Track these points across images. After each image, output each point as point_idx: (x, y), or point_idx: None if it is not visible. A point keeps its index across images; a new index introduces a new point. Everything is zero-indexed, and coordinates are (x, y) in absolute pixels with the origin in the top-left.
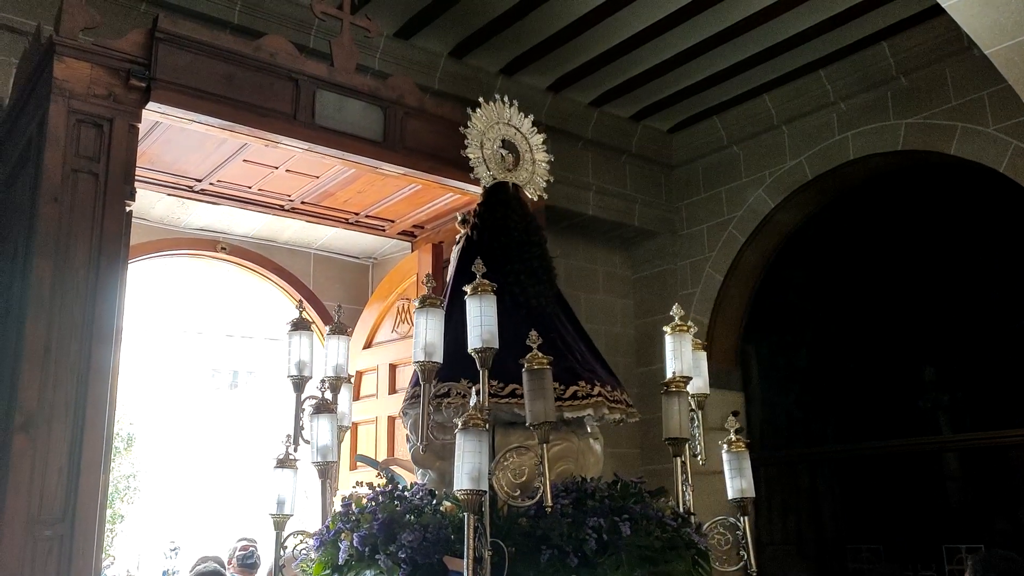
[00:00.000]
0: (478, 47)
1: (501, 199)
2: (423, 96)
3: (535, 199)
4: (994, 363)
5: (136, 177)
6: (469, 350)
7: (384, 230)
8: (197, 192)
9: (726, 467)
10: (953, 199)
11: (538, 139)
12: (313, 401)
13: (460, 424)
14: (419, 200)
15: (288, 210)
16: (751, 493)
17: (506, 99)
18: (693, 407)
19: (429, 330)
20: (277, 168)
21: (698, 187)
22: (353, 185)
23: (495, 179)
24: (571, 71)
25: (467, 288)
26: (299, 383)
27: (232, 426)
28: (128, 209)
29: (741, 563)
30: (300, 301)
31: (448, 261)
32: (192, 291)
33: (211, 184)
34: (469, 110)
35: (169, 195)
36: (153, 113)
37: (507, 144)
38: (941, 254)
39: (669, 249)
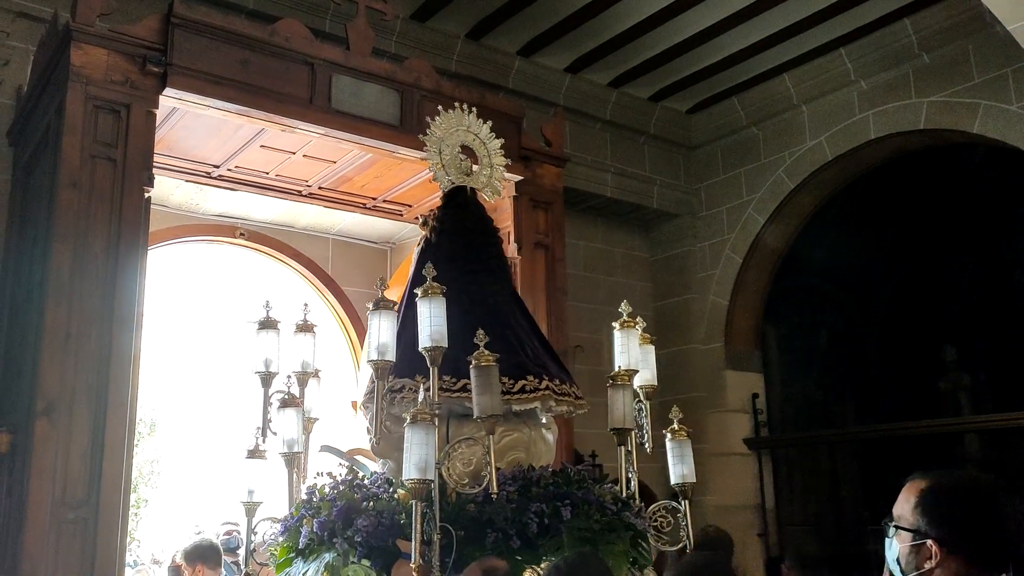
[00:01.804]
0: (495, 28)
1: (459, 202)
2: (440, 79)
3: (492, 201)
4: (1016, 344)
5: (154, 163)
6: (420, 349)
7: (401, 215)
8: (215, 178)
9: (669, 454)
10: (975, 178)
11: (496, 144)
12: (280, 395)
13: (409, 418)
14: (437, 184)
15: (306, 196)
16: (692, 479)
17: (464, 106)
18: (641, 398)
19: (382, 331)
20: (294, 153)
21: (717, 168)
22: (370, 170)
23: (453, 183)
24: (589, 51)
25: (418, 291)
26: (266, 378)
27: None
28: (146, 195)
29: (682, 543)
30: (267, 301)
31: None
32: (213, 278)
33: (229, 170)
34: (428, 118)
35: (187, 181)
36: (170, 99)
37: (466, 149)
38: (963, 234)
39: (688, 231)
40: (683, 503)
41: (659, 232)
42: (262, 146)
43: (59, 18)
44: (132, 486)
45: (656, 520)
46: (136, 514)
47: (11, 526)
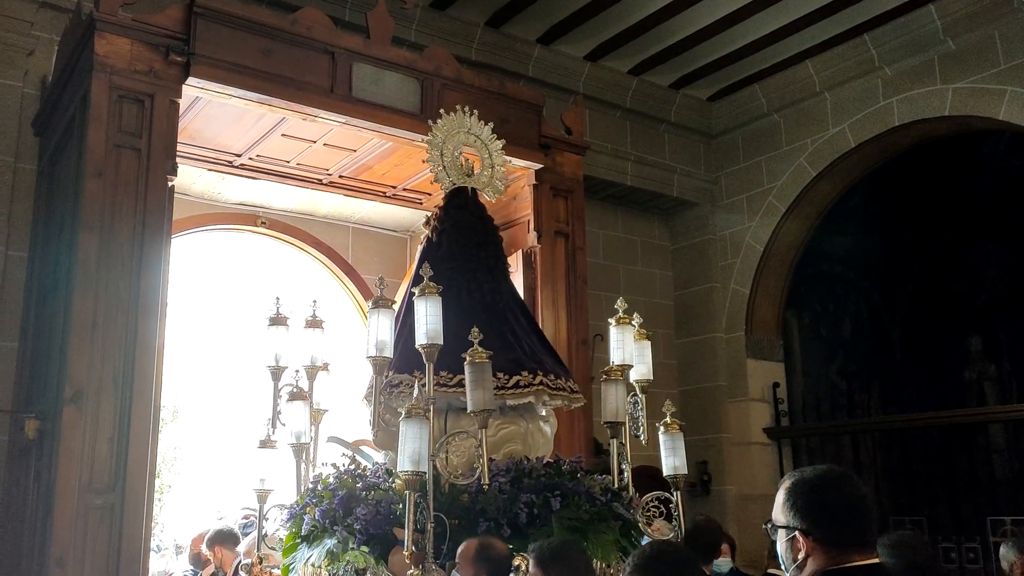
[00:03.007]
0: (515, 16)
1: (459, 203)
2: (460, 67)
3: (493, 200)
4: None
5: (177, 152)
6: (416, 346)
7: (421, 203)
8: (237, 167)
9: (662, 447)
10: (1001, 165)
11: (497, 145)
12: (290, 388)
13: (403, 413)
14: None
15: (326, 184)
16: (683, 470)
17: (466, 109)
18: (637, 391)
19: (380, 328)
20: (315, 142)
21: (738, 156)
22: (390, 158)
23: (455, 185)
24: (609, 39)
25: (415, 290)
26: (276, 372)
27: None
28: (170, 184)
29: (672, 532)
30: (277, 298)
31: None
32: (234, 266)
33: (250, 159)
34: (430, 121)
35: (210, 170)
36: (193, 88)
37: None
38: (988, 222)
39: (708, 219)
40: (675, 494)
41: (679, 221)
42: (283, 135)
43: (83, 8)
44: (156, 472)
45: (649, 510)
46: (160, 499)
47: (40, 511)
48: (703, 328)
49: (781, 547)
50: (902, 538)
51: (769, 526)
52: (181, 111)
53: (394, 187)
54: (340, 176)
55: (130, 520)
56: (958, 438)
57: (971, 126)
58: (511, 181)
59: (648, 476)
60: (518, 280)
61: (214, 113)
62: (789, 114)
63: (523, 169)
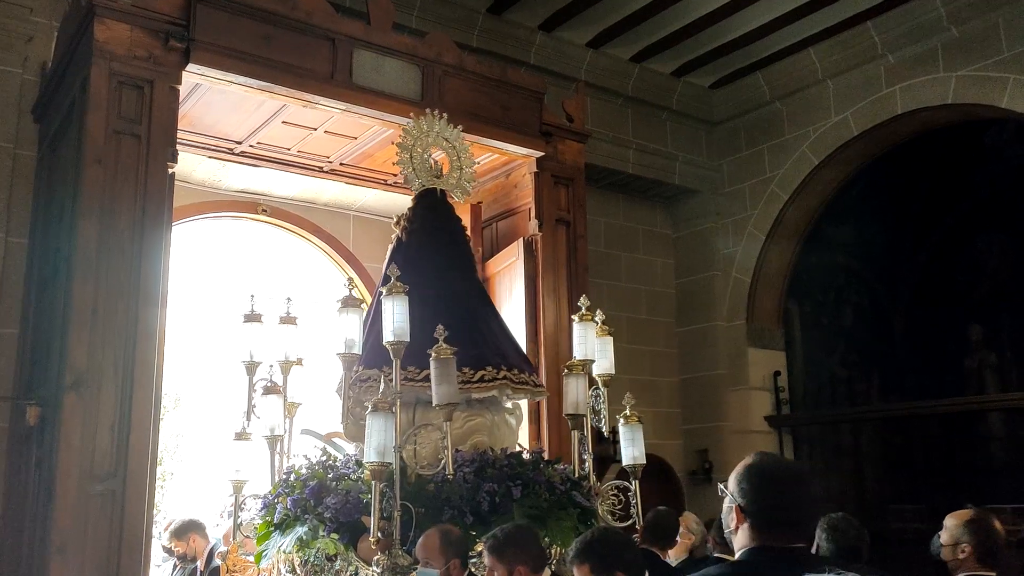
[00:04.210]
0: (517, 3)
1: (428, 204)
2: (462, 54)
3: (462, 201)
4: None
5: (177, 140)
6: (384, 343)
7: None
8: (238, 155)
9: (621, 438)
10: (1004, 153)
11: (466, 147)
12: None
13: (370, 407)
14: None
15: (327, 172)
16: (642, 461)
17: (436, 112)
18: (599, 385)
19: (348, 327)
20: (316, 129)
21: (740, 144)
22: (392, 146)
23: (424, 186)
24: (611, 26)
25: (383, 289)
26: (250, 367)
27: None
28: (170, 171)
29: (631, 520)
30: (251, 295)
31: (487, 221)
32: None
33: (251, 146)
34: (400, 128)
35: (210, 157)
36: (192, 75)
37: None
38: (991, 211)
39: (710, 207)
40: (633, 483)
41: (681, 209)
42: (284, 122)
43: None
44: (158, 459)
45: (609, 498)
46: (162, 487)
47: (41, 498)
48: (704, 316)
49: (724, 510)
50: (832, 522)
51: (722, 486)
52: (181, 98)
53: (395, 175)
54: (341, 164)
55: (132, 507)
56: (958, 426)
57: (974, 114)
58: (479, 185)
59: (651, 464)
60: (519, 268)
61: (214, 100)
62: (791, 102)
63: (524, 157)
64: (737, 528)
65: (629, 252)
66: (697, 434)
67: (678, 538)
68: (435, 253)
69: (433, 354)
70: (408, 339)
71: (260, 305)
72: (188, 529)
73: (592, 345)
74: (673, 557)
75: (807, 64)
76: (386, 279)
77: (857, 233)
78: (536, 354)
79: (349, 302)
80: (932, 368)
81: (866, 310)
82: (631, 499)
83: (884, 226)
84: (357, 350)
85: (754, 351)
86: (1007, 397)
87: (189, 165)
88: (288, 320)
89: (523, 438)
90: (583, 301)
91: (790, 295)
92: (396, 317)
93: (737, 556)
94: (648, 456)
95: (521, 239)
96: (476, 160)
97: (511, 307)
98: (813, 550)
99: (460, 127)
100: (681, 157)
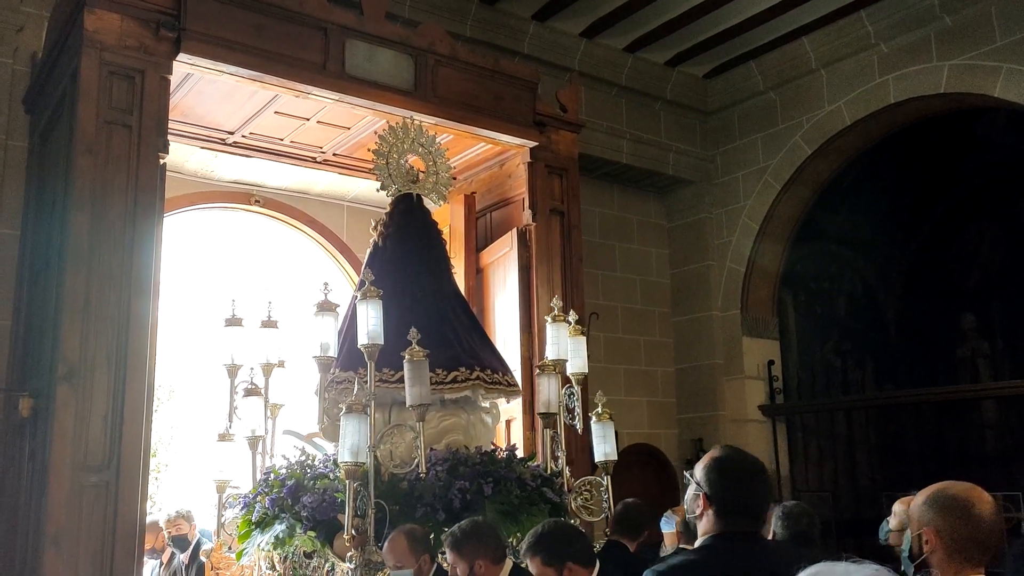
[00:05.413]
0: None
1: (404, 208)
2: (455, 43)
3: (438, 205)
4: None
5: (169, 130)
6: (359, 346)
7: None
8: (230, 145)
9: (593, 434)
10: (996, 142)
11: (441, 153)
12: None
13: (344, 408)
14: (450, 151)
15: (320, 162)
16: (613, 457)
17: (413, 117)
18: (573, 384)
19: (324, 330)
20: (308, 120)
21: (734, 134)
22: None
23: (400, 191)
24: (604, 16)
25: (358, 294)
26: (232, 370)
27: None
28: (162, 161)
29: (603, 515)
30: (232, 300)
31: (480, 211)
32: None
33: (243, 137)
34: (375, 132)
35: (202, 148)
36: (183, 64)
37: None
38: (983, 200)
39: (704, 197)
40: (605, 478)
41: (675, 199)
42: (276, 112)
43: None
44: (152, 450)
45: (581, 493)
46: (156, 478)
47: (34, 489)
48: (699, 306)
49: (688, 495)
50: (786, 510)
51: (688, 474)
52: (172, 88)
53: None
54: (334, 154)
55: (125, 498)
56: (951, 414)
57: (966, 103)
58: (455, 186)
59: (647, 453)
60: (512, 258)
61: (206, 90)
62: (785, 92)
63: (518, 147)
64: (702, 515)
65: (624, 242)
66: (692, 423)
67: (671, 530)
68: (411, 257)
69: (407, 356)
70: (382, 342)
71: (245, 306)
72: (178, 517)
73: (565, 345)
74: (669, 545)
75: (801, 53)
76: (361, 283)
77: (850, 222)
78: (530, 345)
79: (324, 306)
80: (925, 356)
81: (859, 299)
82: (604, 493)
83: (877, 215)
84: (332, 353)
85: (748, 340)
86: (999, 385)
87: (181, 156)
88: (269, 324)
89: (516, 436)
90: (556, 302)
91: (784, 284)
92: (371, 321)
93: (700, 542)
94: (643, 446)
95: (515, 229)
96: (469, 150)
97: (505, 298)
98: (769, 536)
99: (435, 132)
100: (675, 147)
